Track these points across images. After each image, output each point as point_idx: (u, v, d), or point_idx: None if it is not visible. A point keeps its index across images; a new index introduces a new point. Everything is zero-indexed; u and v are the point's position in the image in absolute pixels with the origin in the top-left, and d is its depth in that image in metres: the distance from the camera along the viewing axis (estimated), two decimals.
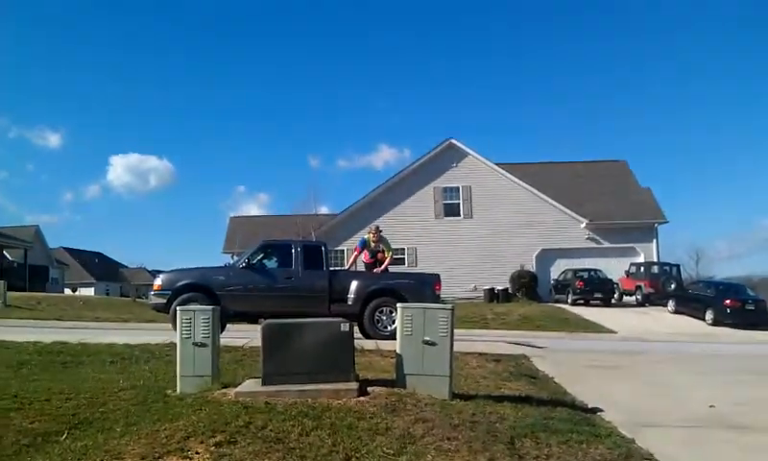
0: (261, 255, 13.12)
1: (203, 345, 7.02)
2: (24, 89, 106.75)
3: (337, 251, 32.29)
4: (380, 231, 14.62)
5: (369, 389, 6.57)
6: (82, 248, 75.24)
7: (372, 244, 14.40)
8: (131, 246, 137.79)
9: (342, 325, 6.75)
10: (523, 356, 11.24)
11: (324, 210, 42.78)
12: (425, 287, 13.15)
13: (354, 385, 6.46)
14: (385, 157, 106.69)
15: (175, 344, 7.33)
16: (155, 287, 12.94)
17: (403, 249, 33.34)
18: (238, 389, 6.50)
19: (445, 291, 29.86)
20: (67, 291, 52.58)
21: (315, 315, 10.17)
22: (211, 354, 7.07)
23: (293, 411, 5.73)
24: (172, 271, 13.42)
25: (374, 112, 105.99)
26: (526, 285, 32.51)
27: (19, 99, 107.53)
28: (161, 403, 6.46)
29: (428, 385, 6.65)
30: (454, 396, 6.75)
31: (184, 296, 12.14)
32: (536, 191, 34.03)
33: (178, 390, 6.92)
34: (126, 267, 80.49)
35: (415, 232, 33.70)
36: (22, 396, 6.81)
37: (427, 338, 6.69)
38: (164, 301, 12.45)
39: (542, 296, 32.51)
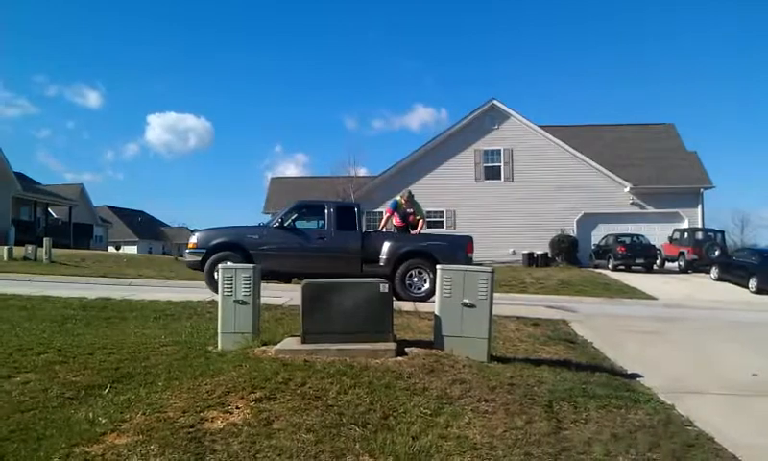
0: (294, 215, 13.18)
1: (243, 303, 7.11)
2: (61, 46, 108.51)
3: (376, 213, 32.27)
4: (412, 196, 14.53)
5: (406, 349, 6.60)
6: (125, 206, 76.73)
7: (403, 207, 14.34)
8: (172, 205, 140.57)
9: (381, 285, 6.76)
10: (562, 321, 11.17)
11: (362, 172, 42.78)
12: (457, 249, 13.07)
13: (392, 345, 6.49)
14: (421, 118, 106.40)
15: (216, 301, 7.43)
16: (190, 245, 13.17)
17: (442, 211, 33.31)
18: (278, 346, 6.58)
19: (484, 254, 29.93)
20: (111, 249, 53.70)
21: (347, 275, 10.23)
22: (252, 312, 7.15)
23: (331, 369, 5.79)
24: (207, 229, 13.58)
25: (408, 72, 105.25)
26: (566, 250, 32.14)
27: (56, 56, 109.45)
28: (203, 359, 6.58)
29: (466, 347, 6.64)
30: (492, 358, 6.75)
31: (218, 254, 12.38)
32: (579, 154, 33.40)
33: (219, 346, 7.04)
34: (168, 226, 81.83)
35: (454, 195, 33.48)
36: (66, 349, 7.00)
37: (466, 300, 6.67)
38: (199, 258, 12.69)
39: (582, 261, 32.13)
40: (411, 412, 4.99)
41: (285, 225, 12.96)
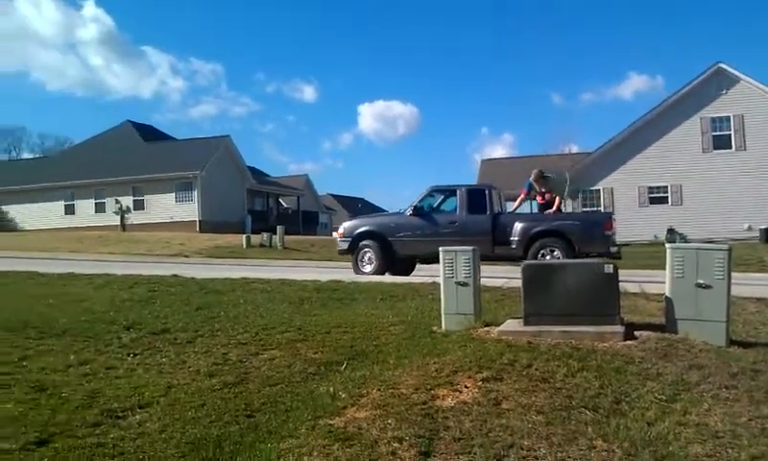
0: (427, 201, 13.78)
1: (464, 284, 7.24)
2: (275, 45, 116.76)
3: (592, 191, 31.25)
4: (543, 174, 14.52)
5: (635, 333, 6.35)
6: (345, 194, 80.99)
7: (536, 186, 14.25)
8: (387, 190, 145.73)
9: (606, 266, 6.57)
10: None
11: (575, 149, 41.41)
12: (594, 228, 12.81)
13: (620, 328, 6.29)
14: (635, 86, 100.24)
15: (437, 283, 7.65)
16: (339, 234, 14.44)
17: (666, 186, 31.38)
18: (500, 328, 6.63)
19: (715, 231, 27.76)
20: (335, 235, 57.07)
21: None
22: (472, 293, 7.26)
23: (556, 352, 5.73)
24: (354, 219, 15.13)
25: (621, 37, 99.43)
26: None
27: (272, 55, 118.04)
28: (428, 339, 6.81)
29: (702, 330, 6.23)
30: (731, 342, 6.27)
31: (362, 242, 13.54)
32: None
33: (442, 327, 7.24)
34: (385, 211, 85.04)
35: (679, 168, 31.30)
36: (305, 329, 7.58)
37: (701, 281, 6.25)
38: (346, 246, 13.90)
39: None
40: (644, 398, 4.80)
41: (419, 211, 13.54)
